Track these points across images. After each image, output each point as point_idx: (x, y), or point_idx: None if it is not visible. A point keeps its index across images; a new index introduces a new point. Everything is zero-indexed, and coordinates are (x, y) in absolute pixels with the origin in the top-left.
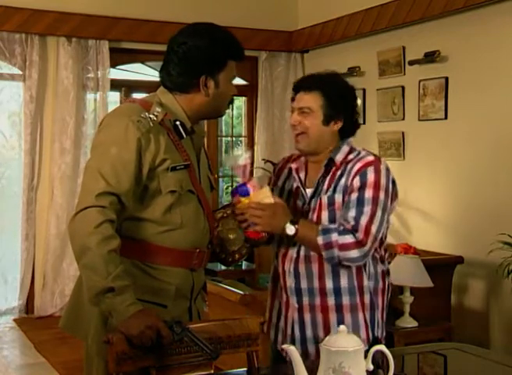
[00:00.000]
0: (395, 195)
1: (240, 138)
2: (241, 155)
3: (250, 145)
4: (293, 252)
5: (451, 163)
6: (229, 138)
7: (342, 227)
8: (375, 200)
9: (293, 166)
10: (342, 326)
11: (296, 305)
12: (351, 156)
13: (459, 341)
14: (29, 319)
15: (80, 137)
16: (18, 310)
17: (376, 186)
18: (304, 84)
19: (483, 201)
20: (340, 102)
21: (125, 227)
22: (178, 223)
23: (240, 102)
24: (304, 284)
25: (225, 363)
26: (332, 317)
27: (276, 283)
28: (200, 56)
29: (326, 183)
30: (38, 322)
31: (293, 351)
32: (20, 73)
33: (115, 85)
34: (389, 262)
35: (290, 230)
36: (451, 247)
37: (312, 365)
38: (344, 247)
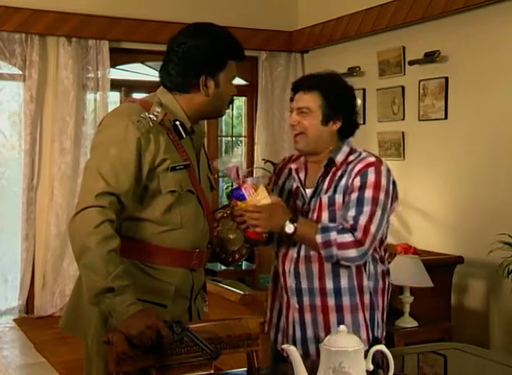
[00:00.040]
0: (395, 197)
1: (240, 138)
2: (231, 158)
3: (250, 145)
4: (293, 252)
5: (451, 163)
6: (229, 138)
7: (341, 226)
8: (374, 200)
9: (293, 166)
10: (342, 326)
11: (297, 306)
12: (352, 157)
13: (459, 341)
14: (29, 319)
15: (80, 137)
16: (18, 310)
17: (376, 186)
18: (302, 84)
19: (483, 201)
20: (339, 102)
21: (125, 227)
22: (178, 223)
23: (239, 102)
24: (304, 284)
25: (225, 363)
26: (333, 317)
27: (277, 284)
28: (200, 56)
29: (326, 183)
30: (38, 322)
31: (293, 351)
32: (20, 73)
33: (115, 85)
34: (389, 262)
35: (289, 228)
36: (451, 247)
37: (312, 365)
38: (343, 246)
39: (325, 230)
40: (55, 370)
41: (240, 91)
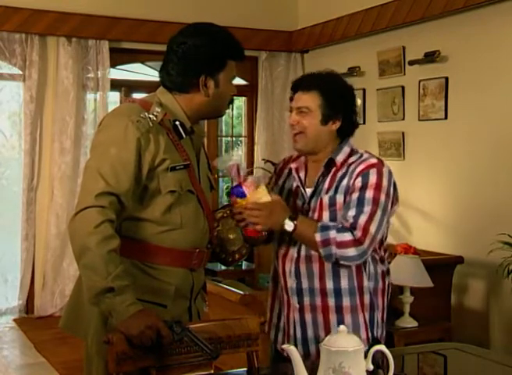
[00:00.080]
0: (395, 199)
1: (240, 138)
2: (231, 156)
3: (250, 145)
4: (293, 252)
5: (451, 163)
6: (229, 138)
7: (341, 225)
8: (375, 200)
9: (293, 165)
10: (342, 326)
11: (297, 306)
12: (353, 158)
13: (459, 341)
14: (29, 319)
15: (80, 137)
16: (18, 310)
17: (378, 187)
18: (302, 84)
19: (483, 201)
20: (339, 102)
21: (124, 227)
22: (177, 223)
23: (239, 102)
24: (305, 284)
25: (225, 363)
26: (332, 318)
27: (276, 284)
28: (200, 56)
29: (327, 183)
30: (38, 322)
31: (293, 351)
32: (20, 73)
33: (115, 85)
34: (389, 262)
35: (289, 226)
36: (451, 247)
37: (312, 365)
38: (342, 244)
39: (325, 228)
40: (55, 370)
41: (240, 91)
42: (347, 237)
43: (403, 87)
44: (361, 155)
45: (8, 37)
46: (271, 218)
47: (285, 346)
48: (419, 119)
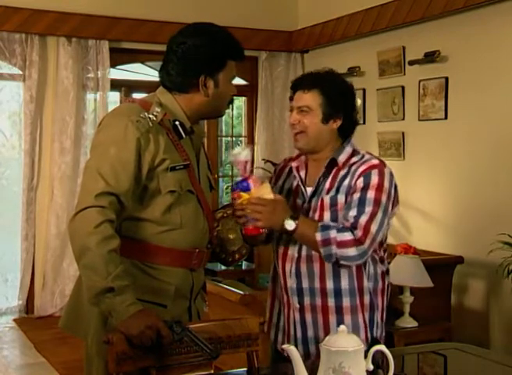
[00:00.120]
0: (396, 201)
1: (240, 138)
2: (243, 151)
3: (250, 145)
4: (294, 252)
5: (451, 163)
6: (229, 138)
7: (341, 225)
8: (376, 201)
9: (294, 164)
10: (342, 326)
11: (298, 305)
12: (355, 158)
13: (459, 341)
14: (29, 319)
15: (80, 137)
16: (18, 310)
17: (379, 188)
18: (302, 83)
19: (483, 201)
20: (339, 100)
21: (124, 227)
22: (177, 223)
23: (240, 102)
24: (305, 284)
25: (225, 363)
26: (332, 318)
27: (276, 284)
28: (200, 56)
29: (328, 183)
30: (38, 322)
31: (293, 351)
32: (20, 73)
33: (115, 85)
34: (389, 263)
35: (290, 225)
36: (451, 247)
37: (312, 365)
38: (342, 244)
39: (325, 228)
40: (55, 370)
41: (240, 91)
42: (348, 236)
43: (403, 87)
44: (363, 156)
45: (8, 37)
46: (272, 216)
47: (285, 346)
48: (419, 119)
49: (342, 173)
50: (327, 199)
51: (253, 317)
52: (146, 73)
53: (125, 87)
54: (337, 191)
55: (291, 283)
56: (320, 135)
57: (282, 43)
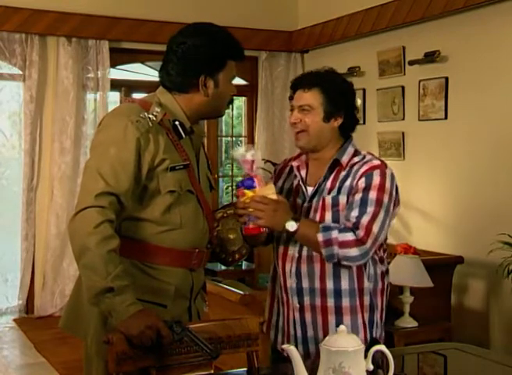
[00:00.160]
0: (397, 202)
1: (240, 138)
2: (250, 150)
3: (251, 145)
4: (294, 252)
5: (451, 163)
6: (229, 138)
7: (343, 225)
8: (378, 201)
9: (294, 164)
10: (342, 326)
11: (298, 305)
12: (356, 159)
13: (459, 341)
14: (29, 319)
15: (79, 137)
16: (18, 310)
17: (381, 188)
18: (302, 82)
19: (483, 201)
20: (340, 99)
21: (124, 227)
22: (177, 223)
23: (239, 102)
24: (305, 284)
25: (225, 363)
26: (331, 318)
27: (276, 284)
28: (200, 56)
29: (329, 183)
30: (38, 322)
31: (293, 351)
32: (20, 73)
33: (115, 85)
34: (389, 263)
35: (292, 226)
36: (451, 247)
37: (312, 365)
38: (344, 244)
39: (327, 228)
40: (55, 370)
41: (240, 91)
42: (349, 237)
43: (403, 87)
44: (364, 156)
45: (8, 37)
46: (274, 215)
47: (285, 346)
48: (419, 119)
49: (343, 173)
50: (329, 199)
51: (253, 317)
52: (146, 73)
53: (125, 87)
54: (339, 191)
55: (291, 283)
56: (321, 134)
57: (282, 43)
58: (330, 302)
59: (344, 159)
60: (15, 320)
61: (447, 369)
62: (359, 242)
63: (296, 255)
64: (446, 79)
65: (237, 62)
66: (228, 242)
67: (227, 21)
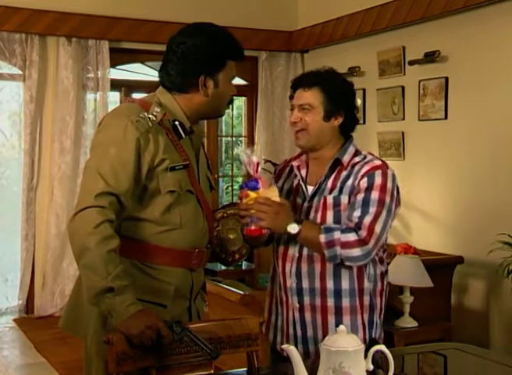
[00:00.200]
0: (398, 202)
1: (240, 138)
2: (255, 153)
3: (250, 145)
4: (294, 252)
5: (451, 163)
6: (229, 138)
7: (345, 226)
8: (380, 202)
9: (295, 163)
10: (341, 326)
11: (298, 305)
12: (357, 159)
13: (459, 341)
14: (29, 319)
15: (79, 137)
16: (18, 310)
17: (383, 188)
18: (302, 81)
19: (483, 201)
20: (340, 98)
21: (124, 227)
22: (177, 223)
23: (239, 102)
24: (305, 284)
25: (225, 363)
26: (331, 318)
27: (275, 284)
28: (199, 56)
29: (330, 182)
30: (38, 322)
31: (293, 351)
32: (20, 73)
33: (115, 85)
34: (389, 263)
35: (294, 228)
36: (451, 247)
37: (312, 365)
38: (346, 245)
39: (329, 230)
40: (55, 370)
41: (240, 91)
42: (352, 237)
43: (403, 87)
44: (365, 157)
45: (8, 37)
46: (277, 217)
47: (285, 346)
48: (419, 119)
49: (344, 173)
50: (330, 199)
51: (253, 317)
52: (146, 73)
53: (125, 87)
54: (340, 191)
55: (291, 282)
56: (321, 133)
57: (282, 43)
58: (330, 302)
59: (345, 159)
60: (15, 320)
61: (447, 369)
62: (361, 242)
63: (297, 254)
64: (446, 79)
65: (237, 62)
66: (228, 242)
67: (227, 21)
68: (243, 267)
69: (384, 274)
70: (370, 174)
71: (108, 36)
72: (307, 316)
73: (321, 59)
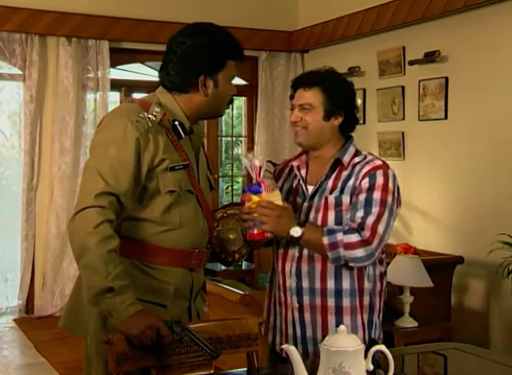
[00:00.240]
0: (398, 203)
1: (240, 138)
2: (258, 157)
3: (250, 145)
4: (294, 252)
5: (451, 163)
6: (229, 138)
7: (347, 227)
8: (383, 202)
9: (295, 163)
10: (342, 326)
11: (297, 305)
12: (358, 159)
13: (459, 341)
14: (29, 319)
15: (79, 137)
16: (18, 310)
17: (385, 189)
18: (303, 81)
19: (483, 201)
20: (340, 98)
21: (124, 227)
22: (177, 223)
23: (239, 102)
24: (305, 284)
25: (225, 363)
26: (331, 318)
27: (274, 284)
28: (199, 56)
29: (330, 182)
30: (38, 322)
31: (293, 351)
32: (20, 73)
33: (115, 85)
34: (388, 263)
35: (296, 232)
36: (451, 247)
37: (312, 365)
38: (349, 246)
39: (331, 232)
40: (55, 370)
41: (240, 91)
42: (354, 238)
43: (403, 87)
44: (365, 157)
45: (8, 37)
46: (279, 222)
47: (285, 346)
48: (419, 119)
49: (345, 172)
50: (332, 199)
51: (253, 317)
52: (146, 73)
53: (125, 87)
54: (341, 191)
55: (290, 282)
56: (321, 132)
57: (282, 43)
58: (331, 302)
59: (346, 159)
60: (15, 320)
61: (447, 369)
62: (364, 243)
63: (297, 254)
64: (446, 79)
65: (237, 62)
66: (228, 242)
67: (227, 21)
68: (243, 267)
69: (383, 275)
70: (371, 174)
71: (108, 36)
72: (307, 316)
73: (321, 59)
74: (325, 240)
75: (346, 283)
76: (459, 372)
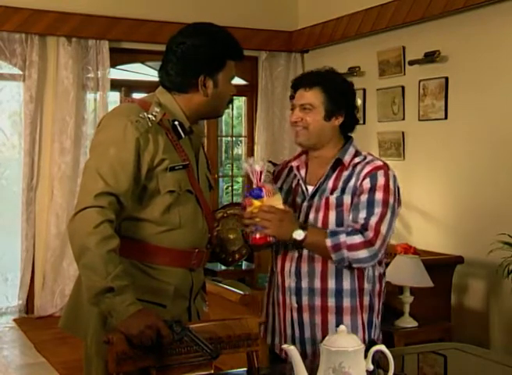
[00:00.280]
0: (399, 203)
1: (240, 138)
2: (258, 161)
3: (250, 145)
4: (294, 251)
5: (451, 163)
6: (229, 138)
7: (350, 228)
8: (385, 202)
9: (294, 163)
10: (342, 326)
11: (296, 305)
12: (358, 159)
13: (459, 341)
14: (29, 319)
15: (79, 137)
16: (18, 310)
17: (386, 189)
18: (303, 81)
19: (483, 201)
20: (341, 98)
21: (124, 227)
22: (176, 223)
23: (239, 102)
24: (304, 284)
25: (225, 363)
26: (331, 318)
27: (272, 284)
28: (199, 56)
29: (331, 182)
30: (38, 322)
31: (293, 351)
32: (20, 73)
33: (115, 85)
34: (387, 264)
35: (299, 235)
36: (451, 247)
37: (312, 365)
38: (353, 247)
39: (334, 233)
40: (55, 370)
41: (240, 91)
42: (357, 239)
43: (403, 87)
44: (366, 157)
45: (8, 37)
46: (281, 226)
47: (285, 346)
48: (419, 119)
49: (346, 173)
50: (333, 199)
51: (253, 317)
52: (146, 73)
53: (125, 87)
54: (342, 191)
55: (290, 282)
56: (322, 132)
57: (282, 43)
58: (331, 302)
59: (346, 159)
60: (15, 320)
61: (447, 369)
62: (368, 244)
63: (297, 254)
64: (446, 79)
65: (237, 62)
66: (228, 242)
67: (227, 21)
68: (243, 267)
69: (382, 276)
70: (372, 175)
71: (108, 36)
72: (306, 316)
73: (321, 59)
74: (329, 242)
75: (346, 284)
76: (459, 372)
